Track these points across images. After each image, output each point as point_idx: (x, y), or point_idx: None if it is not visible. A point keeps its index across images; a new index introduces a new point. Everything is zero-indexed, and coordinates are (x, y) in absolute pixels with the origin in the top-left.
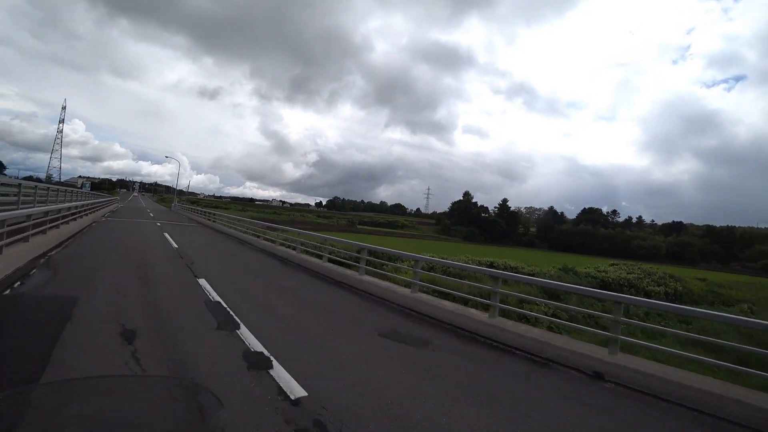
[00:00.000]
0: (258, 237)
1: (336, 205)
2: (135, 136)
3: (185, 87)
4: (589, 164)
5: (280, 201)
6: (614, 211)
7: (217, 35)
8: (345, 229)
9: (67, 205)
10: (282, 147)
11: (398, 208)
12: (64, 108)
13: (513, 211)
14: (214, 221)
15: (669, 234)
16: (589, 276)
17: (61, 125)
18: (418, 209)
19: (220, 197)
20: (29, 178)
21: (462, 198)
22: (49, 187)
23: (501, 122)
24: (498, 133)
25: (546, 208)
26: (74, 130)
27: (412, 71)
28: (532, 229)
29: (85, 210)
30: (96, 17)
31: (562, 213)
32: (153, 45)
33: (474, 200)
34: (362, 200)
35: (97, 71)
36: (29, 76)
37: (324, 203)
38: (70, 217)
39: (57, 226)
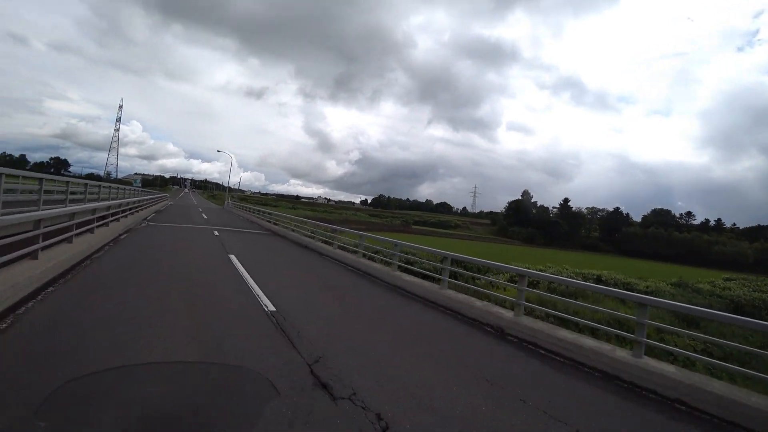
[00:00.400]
0: (355, 253)
1: (381, 203)
2: (186, 135)
3: (233, 88)
4: (642, 161)
5: (326, 198)
6: (689, 213)
7: (264, 37)
8: (399, 229)
9: (92, 205)
10: (325, 145)
11: (444, 207)
12: (120, 107)
13: (575, 212)
14: (275, 223)
15: (755, 239)
16: (714, 295)
17: (117, 123)
18: (464, 208)
19: (266, 194)
20: (91, 176)
21: (520, 197)
22: (87, 183)
23: (546, 118)
24: (543, 130)
25: (609, 209)
26: (132, 130)
27: (455, 67)
28: (594, 232)
29: (125, 210)
30: (152, 24)
31: (627, 214)
32: (203, 48)
33: (534, 200)
34: (407, 198)
35: (153, 75)
36: (93, 81)
37: (369, 201)
38: (100, 222)
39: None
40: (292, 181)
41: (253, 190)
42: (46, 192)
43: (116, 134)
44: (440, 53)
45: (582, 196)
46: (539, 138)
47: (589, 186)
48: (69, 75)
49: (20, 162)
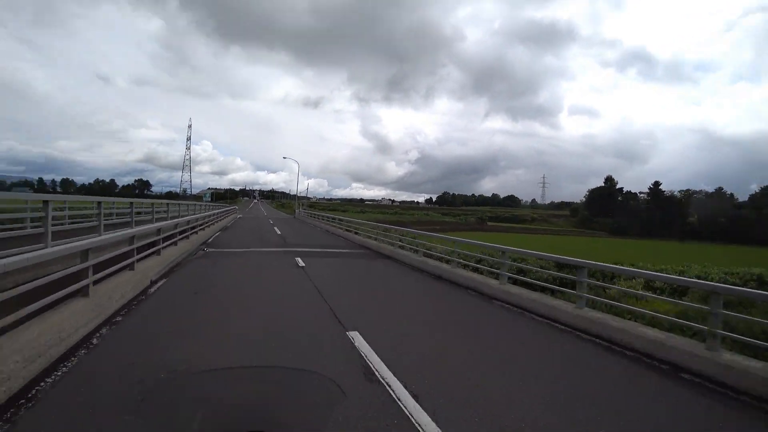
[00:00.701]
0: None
1: (446, 200)
2: (252, 149)
3: (291, 100)
4: (728, 134)
5: (389, 200)
6: None
7: (315, 48)
8: (474, 227)
9: (144, 228)
10: (384, 147)
11: (511, 200)
12: (189, 127)
13: (668, 196)
14: (354, 232)
15: None
16: None
17: (188, 143)
18: (533, 200)
19: (330, 199)
20: (169, 194)
21: (603, 184)
22: (153, 203)
23: (612, 98)
24: (610, 111)
25: (708, 190)
26: (204, 149)
27: (508, 55)
28: (690, 218)
29: (183, 231)
30: (213, 50)
31: (731, 194)
32: (260, 65)
33: (619, 186)
34: (472, 194)
35: (218, 96)
36: (168, 108)
37: (434, 199)
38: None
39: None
40: (354, 184)
41: (318, 196)
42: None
43: (188, 152)
44: (491, 43)
45: (661, 179)
46: (606, 120)
47: (668, 167)
48: (147, 105)
49: (110, 186)
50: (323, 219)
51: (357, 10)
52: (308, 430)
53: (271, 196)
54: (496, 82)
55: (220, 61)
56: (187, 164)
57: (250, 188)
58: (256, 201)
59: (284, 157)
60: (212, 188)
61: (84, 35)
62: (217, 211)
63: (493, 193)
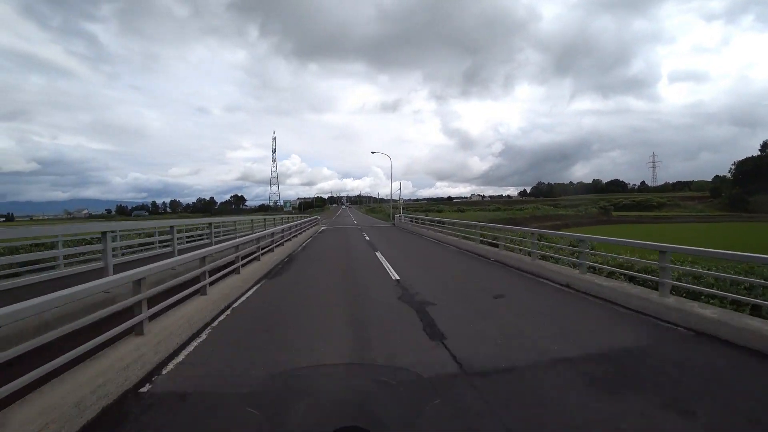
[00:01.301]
0: None
1: (541, 191)
2: (336, 158)
3: (369, 107)
4: None
5: (479, 195)
6: None
7: (388, 53)
8: (599, 219)
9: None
10: (465, 143)
11: (617, 185)
12: (274, 139)
13: None
14: (496, 244)
15: None
16: None
17: (274, 155)
18: (642, 183)
19: (416, 200)
20: (262, 207)
21: (760, 152)
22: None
23: (722, 57)
24: (720, 72)
25: None
26: (293, 163)
27: (591, 27)
28: None
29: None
30: (293, 69)
31: None
32: (337, 78)
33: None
34: (570, 182)
35: (301, 112)
36: (257, 128)
37: (528, 191)
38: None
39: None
40: (438, 183)
41: (404, 198)
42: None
43: (274, 165)
44: (571, 17)
45: None
46: (716, 83)
47: None
48: (239, 128)
49: (210, 203)
50: (423, 223)
51: (424, 8)
52: (403, 424)
53: (358, 201)
54: (580, 59)
55: (299, 79)
56: (274, 176)
57: (338, 195)
58: (344, 207)
59: (372, 152)
60: (301, 198)
61: (182, 75)
62: (300, 221)
63: (594, 179)
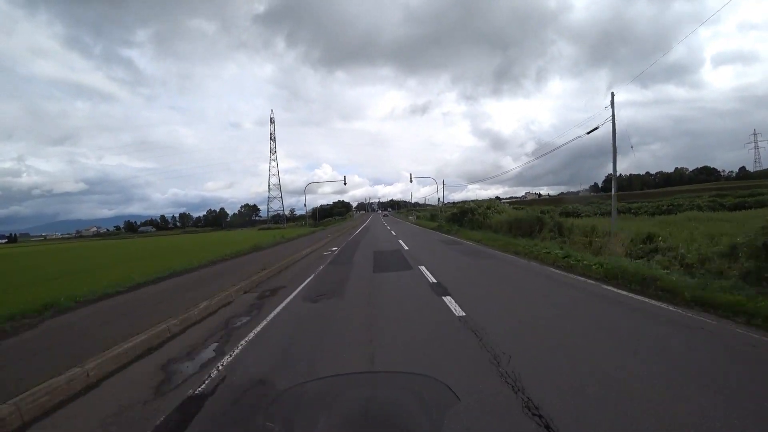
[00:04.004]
0: None
1: (620, 185)
2: (367, 165)
3: (398, 112)
4: None
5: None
6: None
7: (416, 56)
8: None
9: None
10: (497, 143)
11: (707, 173)
12: (272, 120)
13: None
14: None
15: None
16: None
17: (272, 144)
18: (741, 168)
19: (454, 203)
20: (276, 216)
21: None
22: None
23: None
24: None
25: None
26: (324, 172)
27: (627, 13)
28: None
29: None
30: (320, 79)
31: None
32: (365, 85)
33: None
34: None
35: (330, 121)
36: (288, 139)
37: (600, 185)
38: None
39: None
40: (470, 186)
41: (434, 203)
42: None
43: (273, 156)
44: (604, 3)
45: None
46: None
47: None
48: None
49: (221, 215)
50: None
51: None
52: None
53: (392, 205)
54: (615, 48)
55: (327, 88)
56: (274, 174)
57: (369, 202)
58: (378, 212)
59: (411, 179)
60: (323, 205)
61: (215, 92)
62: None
63: (676, 167)
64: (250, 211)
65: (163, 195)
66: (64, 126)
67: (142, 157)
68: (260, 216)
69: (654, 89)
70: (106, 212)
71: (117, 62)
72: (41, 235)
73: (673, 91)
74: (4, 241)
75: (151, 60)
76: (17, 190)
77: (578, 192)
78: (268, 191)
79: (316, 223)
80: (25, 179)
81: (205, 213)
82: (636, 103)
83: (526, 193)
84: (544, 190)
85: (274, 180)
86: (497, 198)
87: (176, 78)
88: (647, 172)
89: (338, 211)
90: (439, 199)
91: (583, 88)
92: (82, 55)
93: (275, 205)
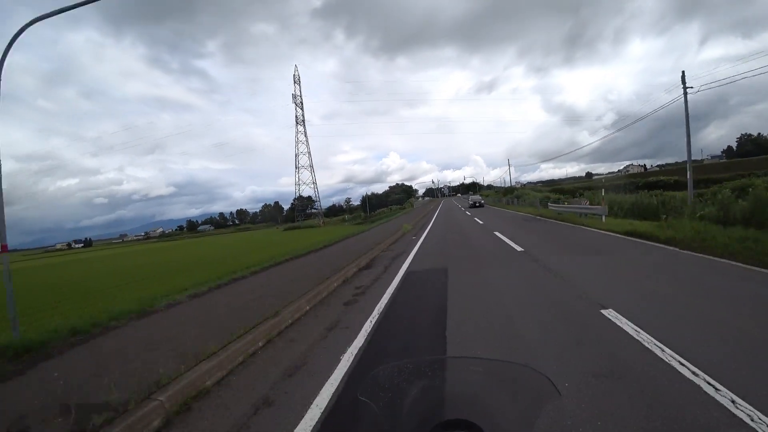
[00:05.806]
0: None
1: (754, 148)
2: (434, 150)
3: (463, 93)
4: None
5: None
6: None
7: (478, 30)
8: None
9: None
10: (571, 117)
11: None
12: (297, 83)
13: None
14: None
15: None
16: None
17: (299, 110)
18: None
19: (525, 184)
20: (331, 208)
21: None
22: None
23: None
24: None
25: None
26: (392, 161)
27: None
28: None
29: None
30: (381, 67)
31: None
32: (427, 69)
33: None
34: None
35: (395, 110)
36: (355, 131)
37: (726, 149)
38: None
39: None
40: (542, 165)
41: (503, 186)
42: None
43: (301, 128)
44: None
45: None
46: None
47: None
48: (340, 133)
49: (277, 210)
50: None
51: None
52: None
53: (471, 187)
54: None
55: (389, 76)
56: (303, 153)
57: (438, 187)
58: (448, 196)
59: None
60: (374, 194)
61: (282, 91)
62: None
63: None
64: (305, 202)
65: (242, 192)
66: (153, 137)
67: (222, 158)
68: (315, 208)
69: (759, 38)
70: (193, 211)
71: (192, 74)
72: (144, 234)
73: None
74: (80, 245)
75: (222, 68)
76: (120, 197)
77: (702, 161)
78: (296, 174)
79: (367, 216)
80: (126, 186)
81: (261, 208)
82: (737, 57)
83: (627, 166)
84: (624, 165)
85: (303, 160)
86: (588, 174)
87: (245, 82)
88: (759, 134)
89: (395, 198)
90: (505, 180)
91: (669, 47)
92: (163, 71)
93: (308, 193)
